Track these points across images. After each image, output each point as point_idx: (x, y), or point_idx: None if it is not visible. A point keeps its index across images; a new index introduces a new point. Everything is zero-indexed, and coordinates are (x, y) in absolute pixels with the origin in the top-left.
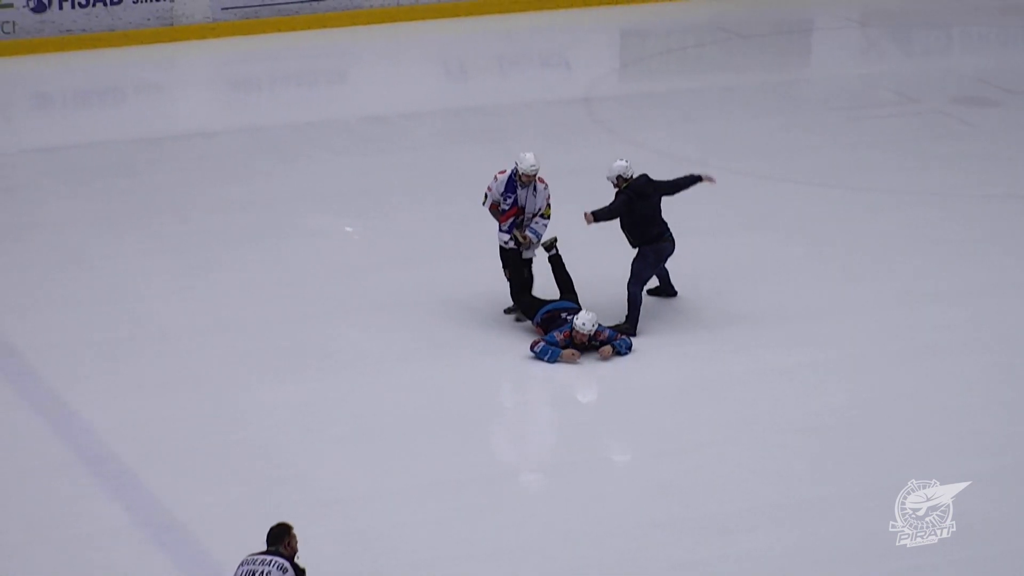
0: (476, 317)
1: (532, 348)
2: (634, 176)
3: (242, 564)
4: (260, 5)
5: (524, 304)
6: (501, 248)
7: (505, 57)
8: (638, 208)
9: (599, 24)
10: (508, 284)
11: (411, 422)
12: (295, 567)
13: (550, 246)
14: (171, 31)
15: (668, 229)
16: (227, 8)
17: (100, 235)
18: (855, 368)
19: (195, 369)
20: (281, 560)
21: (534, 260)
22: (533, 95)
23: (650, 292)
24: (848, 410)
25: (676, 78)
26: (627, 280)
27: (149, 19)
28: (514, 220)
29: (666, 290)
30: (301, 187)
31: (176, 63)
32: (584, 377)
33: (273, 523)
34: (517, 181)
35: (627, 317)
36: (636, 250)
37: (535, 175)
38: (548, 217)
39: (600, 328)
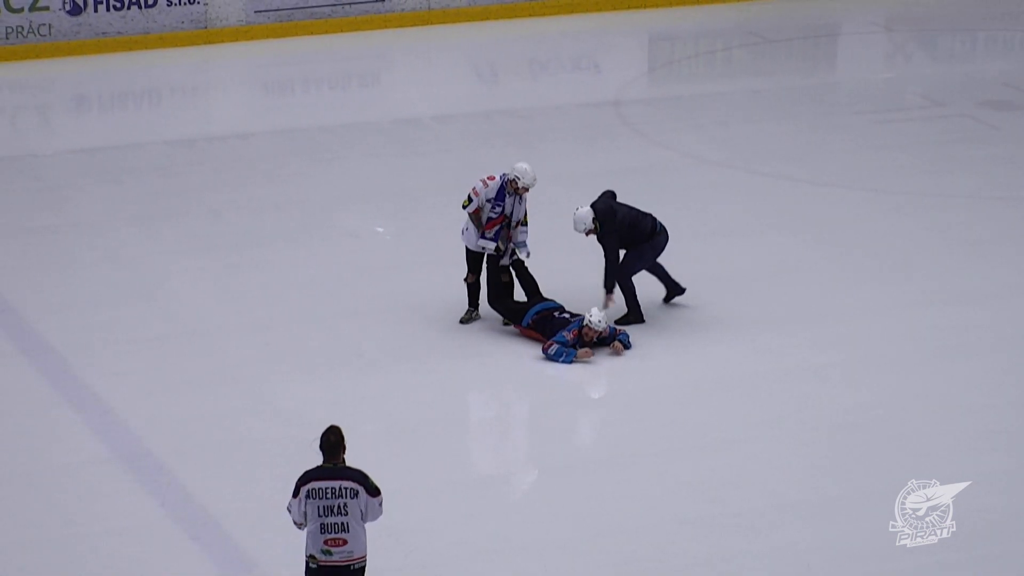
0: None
1: (545, 351)
2: (595, 214)
3: (309, 496)
4: (293, 8)
5: (503, 309)
6: (469, 253)
7: (535, 60)
8: (624, 225)
9: (628, 28)
10: (467, 289)
11: (440, 420)
12: (358, 478)
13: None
14: (205, 34)
15: (656, 220)
16: (260, 11)
17: (136, 234)
18: (879, 368)
19: (228, 367)
20: (348, 485)
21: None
22: (563, 98)
23: (665, 300)
24: (872, 409)
25: (704, 81)
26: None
27: (184, 22)
28: (499, 228)
29: (674, 289)
30: (333, 188)
31: (210, 66)
32: (607, 376)
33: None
34: (508, 190)
35: (628, 308)
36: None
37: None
38: (527, 224)
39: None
